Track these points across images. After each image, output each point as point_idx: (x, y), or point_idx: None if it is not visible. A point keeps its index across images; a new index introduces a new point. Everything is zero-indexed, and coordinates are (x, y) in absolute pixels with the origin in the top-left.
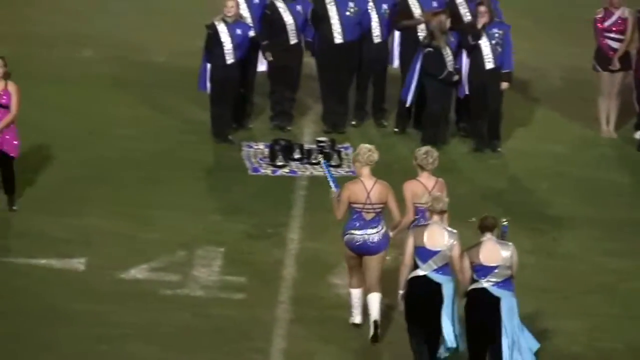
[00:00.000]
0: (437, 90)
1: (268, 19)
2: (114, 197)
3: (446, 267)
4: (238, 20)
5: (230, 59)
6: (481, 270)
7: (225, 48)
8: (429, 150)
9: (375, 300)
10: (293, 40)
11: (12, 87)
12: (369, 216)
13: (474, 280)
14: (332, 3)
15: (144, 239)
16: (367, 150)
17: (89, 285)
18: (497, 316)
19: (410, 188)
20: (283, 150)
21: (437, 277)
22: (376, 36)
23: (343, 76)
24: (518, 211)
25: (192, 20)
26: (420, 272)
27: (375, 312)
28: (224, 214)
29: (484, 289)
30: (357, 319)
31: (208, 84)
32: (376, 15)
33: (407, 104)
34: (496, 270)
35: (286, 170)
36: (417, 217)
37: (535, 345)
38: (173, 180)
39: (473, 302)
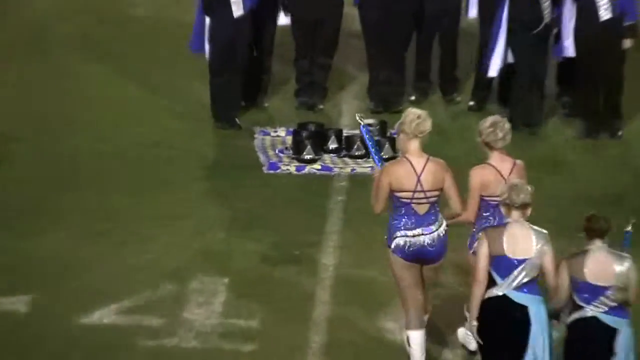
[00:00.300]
0: (529, 50)
1: None
2: (79, 207)
3: (534, 284)
4: None
5: (238, 10)
6: (586, 291)
7: None
8: (496, 121)
9: (417, 340)
10: None
11: None
12: (422, 209)
13: (575, 305)
14: None
15: (116, 266)
16: (416, 117)
17: (33, 334)
18: (610, 354)
19: (480, 175)
20: (313, 138)
21: (523, 298)
22: None
23: (397, 34)
24: None
25: None
26: (498, 292)
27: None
28: (230, 230)
29: (594, 319)
30: None
31: (207, 46)
32: None
33: (489, 74)
34: (608, 292)
35: (317, 166)
36: (485, 214)
37: None
38: (161, 182)
39: (579, 336)
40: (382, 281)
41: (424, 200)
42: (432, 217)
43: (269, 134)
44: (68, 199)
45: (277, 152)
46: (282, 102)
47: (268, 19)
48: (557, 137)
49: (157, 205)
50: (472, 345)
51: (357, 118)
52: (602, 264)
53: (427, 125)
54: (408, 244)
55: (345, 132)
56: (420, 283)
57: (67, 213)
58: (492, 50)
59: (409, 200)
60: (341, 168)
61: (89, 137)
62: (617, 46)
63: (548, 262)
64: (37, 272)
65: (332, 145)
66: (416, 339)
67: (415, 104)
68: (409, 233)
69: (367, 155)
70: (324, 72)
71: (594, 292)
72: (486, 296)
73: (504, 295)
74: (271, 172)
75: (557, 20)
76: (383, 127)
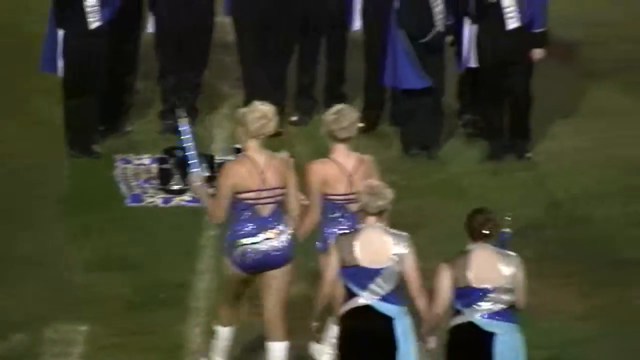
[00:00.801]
0: (422, 62)
1: None
2: None
3: (394, 294)
4: None
5: (95, 20)
6: (467, 295)
7: (86, 3)
8: (341, 109)
9: (280, 352)
10: None
11: None
12: (266, 210)
13: (455, 311)
14: None
15: None
16: (260, 116)
17: None
18: None
19: (318, 171)
20: (181, 166)
21: (386, 308)
22: None
23: (277, 44)
24: (573, 255)
25: None
26: (360, 301)
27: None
28: (89, 271)
29: (471, 324)
30: None
31: (59, 62)
32: None
33: (384, 84)
34: (491, 294)
35: (186, 197)
36: (332, 216)
37: None
38: (9, 219)
39: (458, 344)
40: (260, 324)
41: (271, 200)
42: (277, 219)
43: (131, 162)
44: None
45: (141, 183)
46: (147, 125)
47: (130, 28)
48: (459, 160)
49: (6, 244)
50: (325, 358)
51: (178, 114)
52: (487, 264)
53: (271, 127)
54: (249, 252)
55: (217, 159)
56: (245, 292)
57: None
58: (383, 62)
59: (253, 202)
60: None
61: None
62: (524, 58)
63: (410, 265)
64: None
65: (204, 172)
66: (224, 335)
67: (297, 124)
68: (253, 240)
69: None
70: (193, 90)
71: (475, 295)
72: (347, 307)
73: (367, 306)
74: (133, 204)
75: (454, 28)
76: None
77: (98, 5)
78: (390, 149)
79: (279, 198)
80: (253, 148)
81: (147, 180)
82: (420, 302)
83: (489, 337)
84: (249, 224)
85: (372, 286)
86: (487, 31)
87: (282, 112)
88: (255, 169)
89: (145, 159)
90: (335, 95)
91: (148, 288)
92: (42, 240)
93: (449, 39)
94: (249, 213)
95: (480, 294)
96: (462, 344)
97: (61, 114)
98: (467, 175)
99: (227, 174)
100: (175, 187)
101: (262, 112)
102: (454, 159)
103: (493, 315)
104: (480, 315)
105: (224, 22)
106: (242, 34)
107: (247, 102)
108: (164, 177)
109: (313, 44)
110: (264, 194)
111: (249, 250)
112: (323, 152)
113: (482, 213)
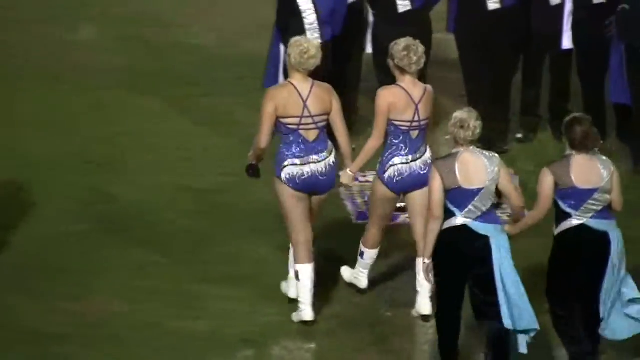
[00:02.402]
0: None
1: None
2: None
3: (492, 213)
4: None
5: (315, 38)
6: (574, 197)
7: (306, 22)
8: (410, 44)
9: (308, 273)
10: (404, 8)
11: None
12: (311, 135)
13: (563, 213)
14: None
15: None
16: (302, 51)
17: None
18: (607, 259)
19: (389, 97)
20: None
21: (483, 228)
22: None
23: (500, 61)
24: None
25: None
26: (457, 222)
27: (306, 295)
28: (328, 295)
29: (583, 226)
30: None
31: (281, 78)
32: None
33: (614, 101)
34: (596, 194)
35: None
36: (395, 141)
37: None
38: (220, 241)
39: (570, 245)
40: None
41: (312, 126)
42: (323, 144)
43: (357, 180)
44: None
45: (367, 199)
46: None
47: (352, 47)
48: None
49: (214, 275)
50: (363, 283)
51: None
52: (588, 167)
53: (312, 62)
54: (299, 173)
55: None
56: (310, 215)
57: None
58: (616, 79)
59: (296, 127)
60: None
61: (133, 188)
62: None
63: (505, 180)
64: None
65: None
66: (306, 272)
67: (523, 141)
68: (299, 162)
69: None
70: None
71: (581, 196)
72: (445, 226)
73: (464, 226)
74: (360, 222)
75: None
76: None
77: (317, 24)
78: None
79: (321, 125)
80: (297, 79)
81: None
82: (520, 210)
83: (603, 236)
84: (294, 147)
85: (471, 206)
86: None
87: (506, 131)
88: (299, 96)
89: (370, 176)
90: (560, 113)
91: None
92: (256, 258)
93: None
94: (294, 137)
95: (587, 194)
96: (576, 246)
97: None
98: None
99: (271, 96)
100: (402, 205)
101: (305, 48)
102: None
103: (601, 215)
104: (591, 217)
105: (447, 39)
106: (465, 51)
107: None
108: None
109: (536, 60)
110: (306, 120)
111: (297, 171)
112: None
113: (581, 124)
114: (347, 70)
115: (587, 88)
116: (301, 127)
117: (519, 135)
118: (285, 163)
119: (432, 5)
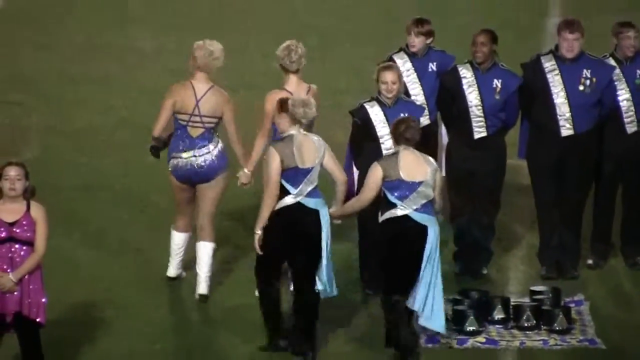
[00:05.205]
0: None
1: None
2: None
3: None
4: (402, 99)
5: None
6: (401, 188)
7: (383, 147)
8: (290, 44)
9: (205, 251)
10: (480, 134)
11: (36, 212)
12: (195, 132)
13: (389, 203)
14: (556, 72)
15: None
16: (207, 53)
17: None
18: (422, 253)
19: (273, 99)
20: (476, 307)
21: (313, 203)
22: (629, 122)
23: (572, 187)
24: None
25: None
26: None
27: (204, 270)
28: None
29: (406, 217)
30: (171, 271)
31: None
32: (627, 89)
33: None
34: (420, 188)
35: (481, 339)
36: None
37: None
38: None
39: (393, 233)
40: None
41: (199, 125)
42: (205, 141)
43: None
44: None
45: None
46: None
47: None
48: None
49: None
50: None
51: None
52: (415, 163)
53: (217, 63)
54: (180, 164)
55: (512, 301)
56: (193, 201)
57: None
58: None
59: (185, 123)
60: (508, 341)
61: None
62: None
63: (328, 162)
64: None
65: (498, 315)
66: (178, 238)
67: (593, 268)
68: (183, 155)
69: (538, 327)
70: (485, 233)
71: (407, 188)
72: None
73: (298, 202)
74: (429, 346)
75: None
76: (556, 295)
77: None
78: None
79: (208, 125)
80: (198, 79)
81: None
82: (343, 186)
83: (422, 229)
84: (180, 141)
85: (302, 185)
86: None
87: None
88: (194, 95)
89: None
90: (632, 241)
91: None
92: None
93: None
94: (181, 132)
95: (412, 187)
96: (397, 233)
97: None
98: None
99: (171, 91)
100: (470, 329)
101: (210, 50)
102: None
103: (424, 209)
104: (415, 209)
105: (518, 164)
106: (537, 177)
107: (542, 246)
108: (459, 318)
109: (609, 187)
110: (195, 118)
111: (179, 162)
112: (624, 295)
113: (404, 121)
114: None
115: None
116: (190, 124)
117: (590, 262)
118: (173, 154)
119: (507, 131)
